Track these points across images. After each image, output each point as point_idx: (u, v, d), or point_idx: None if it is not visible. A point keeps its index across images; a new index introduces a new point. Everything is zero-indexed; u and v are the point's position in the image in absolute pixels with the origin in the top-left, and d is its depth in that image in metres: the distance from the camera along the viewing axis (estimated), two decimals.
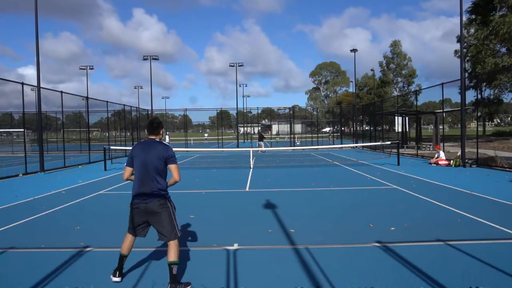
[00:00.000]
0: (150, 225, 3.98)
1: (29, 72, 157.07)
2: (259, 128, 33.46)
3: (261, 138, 28.50)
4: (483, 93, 38.80)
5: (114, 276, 4.00)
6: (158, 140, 4.05)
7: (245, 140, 48.46)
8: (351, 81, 64.82)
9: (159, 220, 3.85)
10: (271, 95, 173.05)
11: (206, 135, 59.14)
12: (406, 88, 59.79)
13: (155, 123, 4.07)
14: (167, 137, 43.37)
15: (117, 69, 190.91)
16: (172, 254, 3.78)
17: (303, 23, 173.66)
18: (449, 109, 39.04)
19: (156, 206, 3.84)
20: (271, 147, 32.55)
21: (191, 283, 3.90)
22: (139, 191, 3.88)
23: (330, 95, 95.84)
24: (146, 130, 4.16)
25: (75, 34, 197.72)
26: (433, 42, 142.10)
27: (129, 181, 4.09)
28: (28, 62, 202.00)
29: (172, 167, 3.92)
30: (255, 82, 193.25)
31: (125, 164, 4.09)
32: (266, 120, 77.30)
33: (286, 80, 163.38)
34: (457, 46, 41.10)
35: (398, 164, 15.80)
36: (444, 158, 15.97)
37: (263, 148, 27.42)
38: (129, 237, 4.03)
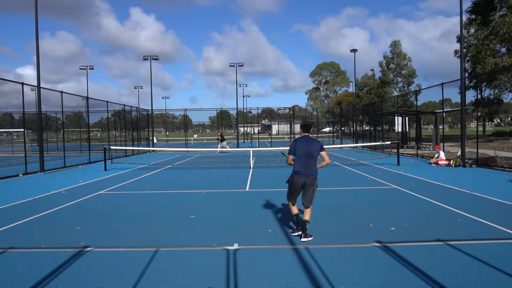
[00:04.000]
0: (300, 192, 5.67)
1: (27, 72, 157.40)
2: (221, 131, 33.13)
3: (222, 139, 28.54)
4: (483, 93, 38.82)
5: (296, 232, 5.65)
6: (310, 136, 5.79)
7: (245, 140, 48.52)
8: (351, 81, 64.77)
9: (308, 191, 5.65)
10: (270, 95, 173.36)
11: (195, 135, 59.31)
12: (406, 88, 59.73)
13: (308, 124, 5.89)
14: (154, 138, 42.86)
15: (116, 69, 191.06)
16: (307, 215, 5.53)
17: (301, 23, 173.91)
18: (449, 109, 39.03)
19: (311, 182, 5.67)
20: (271, 146, 32.51)
21: (312, 235, 5.46)
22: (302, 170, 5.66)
23: (330, 95, 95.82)
24: (300, 128, 5.89)
25: (73, 34, 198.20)
26: (432, 42, 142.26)
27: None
28: (26, 62, 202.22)
29: (323, 154, 5.77)
30: (253, 82, 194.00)
31: (288, 153, 5.75)
32: (266, 120, 77.34)
33: (285, 80, 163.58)
34: (457, 46, 41.18)
35: (398, 164, 15.80)
36: (444, 158, 15.98)
37: (226, 149, 27.15)
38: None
